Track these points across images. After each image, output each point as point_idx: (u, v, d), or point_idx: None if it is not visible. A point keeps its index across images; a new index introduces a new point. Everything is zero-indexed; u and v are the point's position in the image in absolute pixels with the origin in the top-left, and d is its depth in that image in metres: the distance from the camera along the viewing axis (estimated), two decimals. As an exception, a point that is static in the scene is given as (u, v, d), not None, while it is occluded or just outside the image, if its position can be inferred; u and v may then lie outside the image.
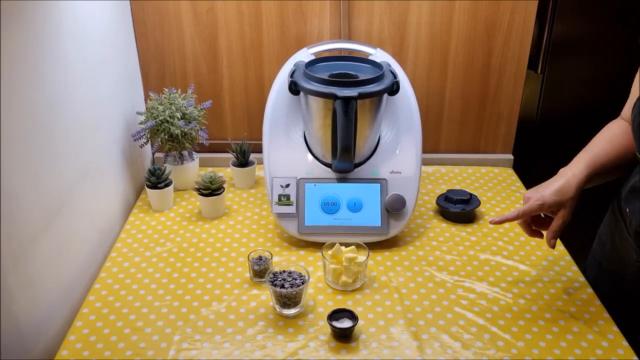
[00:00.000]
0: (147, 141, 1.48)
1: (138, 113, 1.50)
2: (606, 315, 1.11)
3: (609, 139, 1.13)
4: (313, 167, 1.33)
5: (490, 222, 1.12)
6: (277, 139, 1.35)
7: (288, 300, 1.10)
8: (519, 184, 1.62)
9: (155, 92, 1.51)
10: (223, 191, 1.43)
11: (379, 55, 1.39)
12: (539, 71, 1.67)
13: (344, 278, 1.17)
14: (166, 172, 1.45)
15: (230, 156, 1.58)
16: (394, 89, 1.26)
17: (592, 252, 1.28)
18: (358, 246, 1.21)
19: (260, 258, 1.21)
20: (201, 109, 1.50)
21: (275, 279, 1.13)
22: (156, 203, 1.45)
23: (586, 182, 1.09)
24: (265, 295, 1.16)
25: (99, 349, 1.03)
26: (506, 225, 1.40)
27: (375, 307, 1.14)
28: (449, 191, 1.47)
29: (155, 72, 1.61)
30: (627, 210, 1.11)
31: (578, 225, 1.41)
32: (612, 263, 1.19)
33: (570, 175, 1.09)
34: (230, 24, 1.54)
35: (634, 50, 1.56)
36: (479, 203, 1.44)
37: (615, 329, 1.08)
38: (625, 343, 1.04)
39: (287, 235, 1.35)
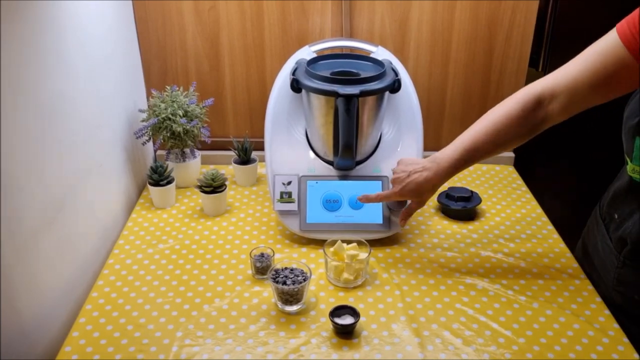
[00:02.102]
0: (149, 139, 1.48)
1: (140, 111, 1.50)
2: (607, 312, 1.11)
3: (496, 132, 1.10)
4: (315, 165, 1.34)
5: (358, 199, 1.27)
6: (279, 136, 1.35)
7: (290, 297, 1.10)
8: (520, 181, 1.62)
9: (157, 90, 1.51)
10: (225, 189, 1.43)
11: (380, 53, 1.39)
12: (539, 69, 1.67)
13: (345, 275, 1.17)
14: (168, 169, 1.46)
15: (232, 154, 1.59)
16: (395, 86, 1.27)
17: (575, 256, 1.29)
18: (360, 243, 1.21)
19: (262, 255, 1.22)
20: (203, 107, 1.50)
21: (277, 275, 1.13)
22: (158, 200, 1.46)
23: (448, 178, 1.15)
24: (267, 292, 1.17)
25: (102, 345, 1.03)
26: (507, 222, 1.41)
27: (376, 303, 1.14)
28: (450, 189, 1.47)
29: (157, 70, 1.61)
30: (615, 215, 1.12)
31: (568, 225, 1.42)
32: (594, 270, 1.20)
33: (435, 173, 1.14)
34: (232, 21, 1.54)
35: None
36: (480, 201, 1.44)
37: (615, 325, 1.08)
38: (625, 340, 1.05)
39: (288, 233, 1.35)
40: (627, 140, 1.02)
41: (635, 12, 1.00)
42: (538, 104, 1.07)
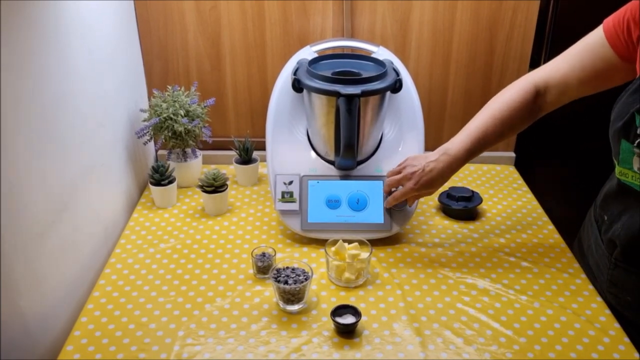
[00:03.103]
0: (151, 138, 1.49)
1: (142, 110, 1.50)
2: (607, 312, 1.12)
3: (502, 119, 1.14)
4: (316, 165, 1.34)
5: (386, 207, 1.27)
6: (281, 136, 1.35)
7: (291, 297, 1.10)
8: (521, 181, 1.62)
9: (158, 90, 1.52)
10: (226, 188, 1.43)
11: (381, 53, 1.39)
12: (540, 69, 1.67)
13: (347, 274, 1.17)
14: (169, 169, 1.46)
15: (233, 153, 1.59)
16: (396, 86, 1.27)
17: (573, 255, 1.29)
18: (361, 243, 1.21)
19: (263, 254, 1.22)
20: (204, 107, 1.50)
21: (278, 275, 1.13)
22: (160, 200, 1.46)
23: (460, 167, 1.17)
24: (268, 291, 1.17)
25: (104, 344, 1.03)
26: (508, 222, 1.41)
27: (378, 303, 1.14)
28: (451, 188, 1.47)
29: (159, 70, 1.61)
30: (605, 217, 1.12)
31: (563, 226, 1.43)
32: (589, 270, 1.21)
33: (448, 165, 1.15)
34: (234, 21, 1.54)
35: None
36: (481, 200, 1.44)
37: (616, 325, 1.08)
38: (626, 339, 1.05)
39: (290, 232, 1.35)
40: (614, 143, 1.03)
41: (620, 11, 1.01)
42: (536, 93, 1.13)
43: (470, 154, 1.16)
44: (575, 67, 1.07)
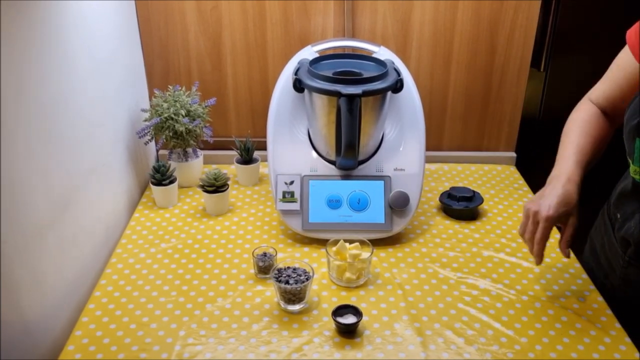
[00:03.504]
0: (152, 138, 1.49)
1: (143, 110, 1.50)
2: (608, 312, 1.12)
3: (587, 132, 1.12)
4: (317, 164, 1.34)
5: (538, 264, 1.09)
6: (282, 136, 1.35)
7: (292, 297, 1.10)
8: (522, 181, 1.62)
9: (159, 90, 1.52)
10: (227, 188, 1.43)
11: (382, 53, 1.39)
12: (541, 69, 1.67)
13: (348, 274, 1.17)
14: (171, 169, 1.46)
15: (234, 153, 1.59)
16: (397, 86, 1.27)
17: (584, 256, 1.29)
18: (362, 243, 1.21)
19: (264, 254, 1.22)
20: (205, 107, 1.50)
21: (279, 275, 1.13)
22: (161, 200, 1.46)
23: (581, 181, 1.07)
24: (270, 291, 1.17)
25: (105, 344, 1.03)
26: (509, 222, 1.41)
27: (379, 303, 1.14)
28: (452, 189, 1.47)
29: (160, 70, 1.61)
30: (618, 215, 1.12)
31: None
32: (601, 269, 1.20)
33: (565, 181, 1.06)
34: (235, 21, 1.54)
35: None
36: (482, 200, 1.44)
37: (617, 325, 1.08)
38: (627, 339, 1.05)
39: (291, 232, 1.35)
40: (628, 142, 1.03)
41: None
42: (602, 110, 1.14)
43: (579, 165, 1.08)
44: (613, 87, 1.10)
